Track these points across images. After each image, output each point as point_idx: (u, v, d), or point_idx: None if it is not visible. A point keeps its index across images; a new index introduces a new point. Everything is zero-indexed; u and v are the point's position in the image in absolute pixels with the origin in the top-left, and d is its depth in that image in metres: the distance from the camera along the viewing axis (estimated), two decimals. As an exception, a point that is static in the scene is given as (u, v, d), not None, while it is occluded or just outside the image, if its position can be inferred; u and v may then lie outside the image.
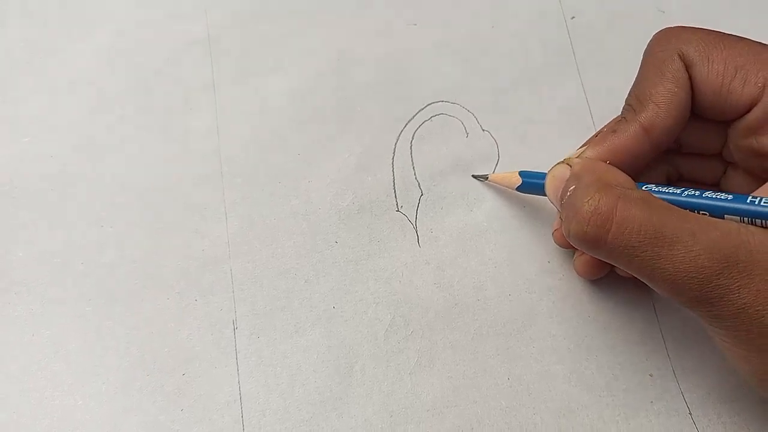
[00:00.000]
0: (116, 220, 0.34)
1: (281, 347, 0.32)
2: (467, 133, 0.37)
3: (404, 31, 0.39)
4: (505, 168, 0.36)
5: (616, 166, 0.29)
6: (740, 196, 0.26)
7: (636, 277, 0.27)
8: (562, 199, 0.28)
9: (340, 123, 0.36)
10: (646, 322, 0.34)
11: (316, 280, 0.33)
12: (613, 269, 0.33)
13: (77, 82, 0.36)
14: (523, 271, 0.34)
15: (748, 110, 0.28)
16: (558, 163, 0.30)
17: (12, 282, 0.33)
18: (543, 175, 0.31)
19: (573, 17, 0.40)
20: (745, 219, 0.25)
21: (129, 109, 0.36)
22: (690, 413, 0.32)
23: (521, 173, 0.33)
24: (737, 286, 0.24)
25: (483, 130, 0.37)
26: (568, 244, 0.33)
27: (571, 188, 0.28)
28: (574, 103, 0.37)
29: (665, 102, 0.28)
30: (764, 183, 0.26)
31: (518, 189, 0.34)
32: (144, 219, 0.34)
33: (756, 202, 0.25)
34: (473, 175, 0.36)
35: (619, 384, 0.33)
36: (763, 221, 0.25)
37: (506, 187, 0.35)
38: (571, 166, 0.29)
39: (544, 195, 0.32)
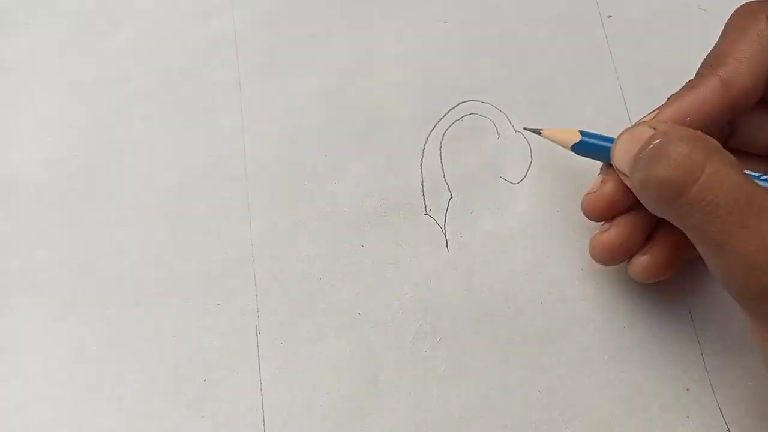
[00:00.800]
0: (139, 221, 0.33)
1: (305, 354, 0.31)
2: (499, 134, 0.36)
3: (434, 28, 0.38)
4: (539, 170, 0.35)
5: (697, 126, 0.26)
6: None
7: (660, 283, 0.25)
8: (639, 154, 0.26)
9: (367, 123, 0.35)
10: (684, 334, 0.32)
11: (342, 285, 0.33)
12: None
13: (101, 80, 0.36)
14: (555, 278, 0.33)
15: None
16: (636, 124, 0.27)
17: (32, 283, 0.32)
18: (606, 138, 0.29)
19: (610, 16, 0.38)
20: None
21: (153, 108, 0.35)
22: (728, 429, 0.31)
23: (582, 132, 0.30)
24: None
25: (515, 131, 0.36)
26: (598, 213, 0.30)
27: (656, 141, 0.25)
28: (611, 104, 0.36)
29: (746, 58, 0.26)
30: None
31: (573, 148, 0.31)
32: (167, 220, 0.33)
33: None
34: (525, 128, 0.33)
35: (654, 398, 0.31)
36: None
37: (560, 144, 0.31)
38: (654, 128, 0.26)
39: (601, 159, 0.29)
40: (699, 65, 0.29)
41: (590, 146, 0.30)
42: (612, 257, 0.30)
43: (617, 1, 0.38)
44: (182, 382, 0.31)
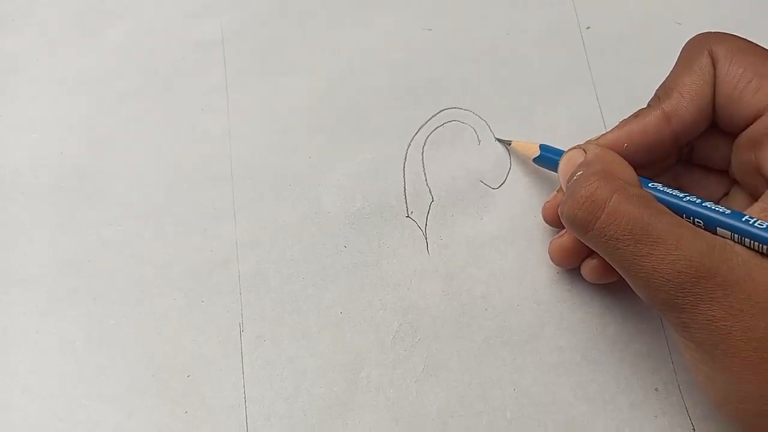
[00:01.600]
0: (125, 219, 0.34)
1: (288, 351, 0.32)
2: (480, 141, 0.37)
3: (419, 36, 0.39)
4: (518, 176, 0.36)
5: (634, 152, 0.29)
6: (737, 212, 0.26)
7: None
8: (568, 182, 0.29)
9: (352, 127, 0.36)
10: (654, 336, 0.34)
11: (324, 285, 0.33)
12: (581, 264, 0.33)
13: (89, 79, 0.36)
14: (532, 281, 0.34)
15: (753, 121, 0.28)
16: (575, 147, 0.31)
17: (19, 278, 0.32)
18: (561, 153, 0.32)
19: (588, 27, 0.39)
20: (736, 236, 0.26)
21: (141, 108, 0.36)
22: (693, 429, 0.32)
23: (541, 146, 0.34)
24: (710, 298, 0.24)
25: (495, 138, 0.37)
26: (552, 220, 0.33)
27: (578, 173, 0.28)
28: (588, 114, 0.37)
29: (689, 92, 0.29)
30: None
31: (535, 160, 0.34)
32: (153, 219, 0.34)
33: (751, 222, 0.25)
34: (497, 138, 0.36)
35: (624, 397, 0.32)
36: (752, 241, 0.25)
37: (525, 156, 0.35)
38: (585, 152, 0.30)
39: (556, 171, 0.32)
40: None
41: (547, 160, 0.33)
42: (566, 260, 0.33)
43: (596, 13, 0.40)
44: (166, 378, 0.31)
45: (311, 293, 0.33)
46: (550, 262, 0.34)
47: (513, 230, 0.35)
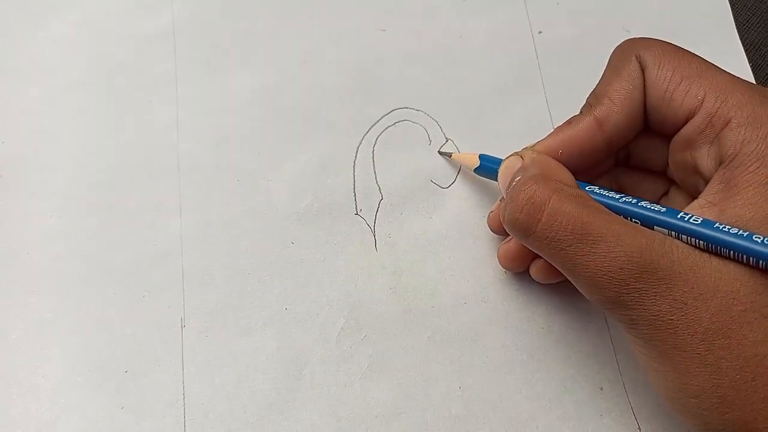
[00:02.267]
0: (67, 210, 0.33)
1: (230, 347, 0.31)
2: (430, 141, 0.37)
3: (373, 36, 0.39)
4: (467, 175, 0.36)
5: (568, 158, 0.30)
6: (672, 210, 0.27)
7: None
8: (508, 188, 0.29)
9: (303, 124, 0.36)
10: (599, 335, 0.34)
11: (270, 281, 0.33)
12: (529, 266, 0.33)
13: (35, 69, 0.36)
14: (479, 280, 0.34)
15: (686, 122, 0.29)
16: (512, 155, 0.31)
17: (-48, 269, 0.31)
18: (500, 161, 0.32)
19: (540, 32, 0.40)
20: (673, 233, 0.26)
21: (86, 99, 0.35)
22: (639, 428, 0.32)
23: (481, 156, 0.34)
24: (654, 293, 0.25)
25: (446, 138, 0.37)
26: (498, 229, 0.34)
27: (517, 178, 0.29)
28: (537, 117, 0.38)
29: (619, 98, 0.29)
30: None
31: (476, 171, 0.34)
32: (96, 211, 0.33)
33: (685, 219, 0.26)
34: (439, 151, 0.36)
35: (570, 396, 0.32)
36: (689, 237, 0.25)
37: (466, 167, 0.35)
38: (523, 159, 0.30)
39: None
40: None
41: (488, 170, 0.34)
42: (514, 264, 0.33)
43: (548, 18, 0.40)
44: (103, 372, 0.30)
45: (256, 288, 0.33)
46: (497, 261, 0.34)
47: (461, 229, 0.35)
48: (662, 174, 0.32)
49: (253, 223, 0.34)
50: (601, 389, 0.33)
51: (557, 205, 0.26)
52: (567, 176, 0.29)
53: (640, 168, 0.33)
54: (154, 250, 0.33)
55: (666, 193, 0.32)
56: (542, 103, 0.38)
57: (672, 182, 0.32)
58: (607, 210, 0.27)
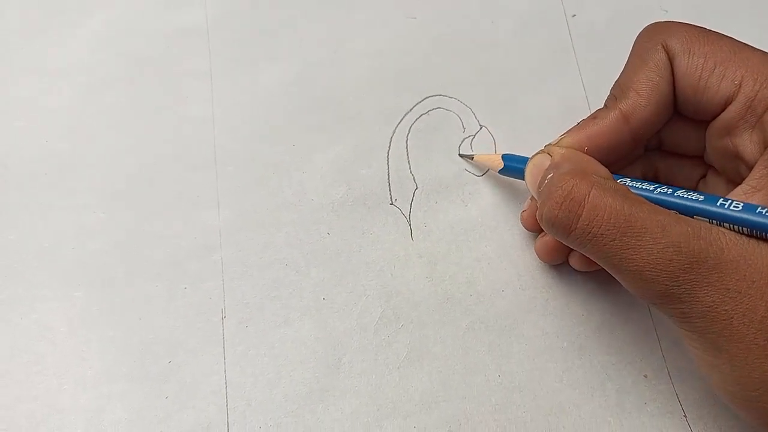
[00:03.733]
0: (107, 205, 0.34)
1: (269, 337, 0.32)
2: (464, 128, 0.36)
3: (403, 23, 0.39)
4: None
5: (595, 154, 0.29)
6: (711, 197, 0.26)
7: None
8: (539, 187, 0.28)
9: (336, 114, 0.36)
10: (642, 322, 0.33)
11: (307, 271, 0.33)
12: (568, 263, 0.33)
13: (72, 66, 0.36)
14: (516, 267, 0.34)
15: (723, 109, 0.28)
16: (539, 152, 0.30)
17: (1, 266, 0.32)
18: (525, 160, 0.31)
19: (574, 15, 0.39)
20: (714, 221, 0.25)
21: (123, 95, 0.36)
22: (685, 415, 0.32)
23: (504, 157, 0.33)
24: (706, 283, 0.24)
25: (480, 125, 0.36)
26: (533, 227, 0.33)
27: (549, 176, 0.28)
28: (574, 101, 0.37)
29: (645, 90, 0.28)
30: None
31: (501, 172, 0.33)
32: (135, 206, 0.34)
33: (726, 206, 0.25)
34: (460, 154, 0.36)
35: (612, 384, 0.32)
36: (732, 225, 0.25)
37: (491, 169, 0.35)
38: (551, 156, 0.29)
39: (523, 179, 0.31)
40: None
41: (513, 170, 0.33)
42: (553, 257, 0.33)
43: (582, 1, 0.39)
44: (146, 363, 0.31)
45: (294, 279, 0.33)
46: (534, 248, 0.34)
47: (497, 217, 0.35)
48: (698, 158, 0.31)
49: (289, 215, 0.34)
50: (645, 377, 0.32)
51: (597, 200, 0.25)
52: (602, 169, 0.28)
53: (674, 153, 0.32)
54: (193, 243, 0.33)
55: (704, 177, 0.31)
56: (578, 87, 0.38)
57: (709, 166, 0.31)
58: (647, 201, 0.26)
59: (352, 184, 0.35)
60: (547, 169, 0.28)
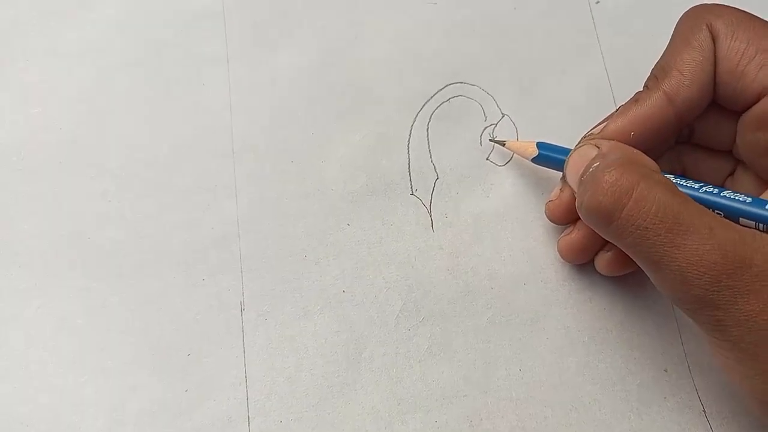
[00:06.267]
0: (124, 194, 0.33)
1: (289, 330, 0.31)
2: (486, 117, 0.36)
3: (423, 8, 0.38)
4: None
5: (641, 138, 0.28)
6: (759, 200, 0.25)
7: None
8: (582, 176, 0.27)
9: (355, 102, 0.35)
10: (663, 317, 0.33)
11: (327, 263, 0.33)
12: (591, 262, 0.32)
13: (87, 51, 0.35)
14: (538, 260, 0.33)
15: (758, 99, 0.27)
16: (585, 143, 0.29)
17: (17, 254, 0.32)
18: (562, 150, 0.31)
19: (598, 1, 0.38)
20: (761, 225, 0.24)
21: (140, 81, 0.35)
22: (704, 411, 0.32)
23: (539, 144, 0.32)
24: (748, 290, 0.23)
25: (502, 113, 0.36)
26: (559, 219, 0.32)
27: (595, 165, 0.27)
28: (598, 89, 0.36)
29: (689, 70, 0.28)
30: None
31: (534, 160, 0.33)
32: (152, 194, 0.33)
33: None
34: (490, 139, 0.35)
35: (632, 378, 0.32)
36: None
37: (522, 156, 0.34)
38: (599, 147, 0.28)
39: (559, 170, 0.31)
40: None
41: (548, 159, 0.32)
42: (577, 257, 0.32)
43: (606, -14, 0.39)
44: (166, 355, 0.31)
45: (313, 271, 0.32)
46: (556, 240, 0.33)
47: (519, 208, 0.34)
48: (728, 153, 0.30)
49: (309, 205, 0.34)
50: (665, 371, 0.32)
51: (646, 191, 0.24)
52: (651, 162, 0.27)
53: (704, 146, 0.31)
54: (211, 233, 0.33)
55: (732, 174, 0.31)
56: (602, 74, 0.37)
57: (738, 162, 0.30)
58: (693, 200, 0.25)
59: (372, 174, 0.34)
60: (593, 159, 0.27)
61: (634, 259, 0.26)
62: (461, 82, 0.36)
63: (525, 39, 0.37)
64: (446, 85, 0.36)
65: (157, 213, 0.33)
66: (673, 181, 0.27)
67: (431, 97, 0.36)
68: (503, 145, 0.34)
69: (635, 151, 0.27)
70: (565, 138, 0.32)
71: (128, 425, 0.29)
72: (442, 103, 0.36)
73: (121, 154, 0.34)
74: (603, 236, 0.27)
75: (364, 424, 0.30)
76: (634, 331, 0.33)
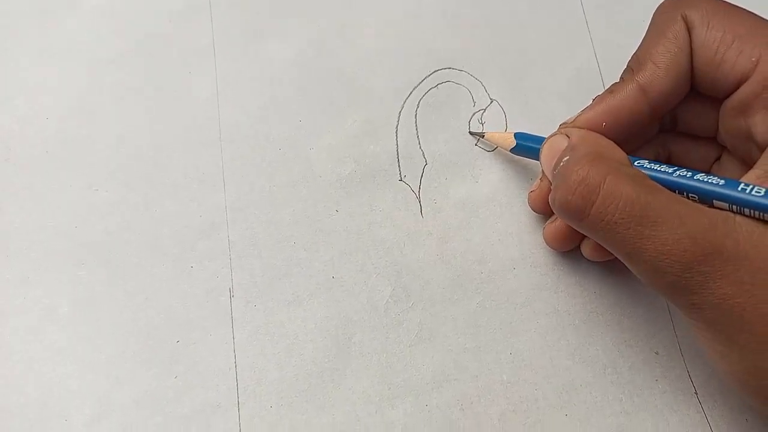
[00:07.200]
0: (111, 184, 0.33)
1: (278, 316, 0.31)
2: (474, 102, 0.36)
3: (411, -5, 0.38)
4: (512, 137, 0.35)
5: (613, 129, 0.28)
6: (732, 181, 0.25)
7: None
8: (554, 170, 0.27)
9: (343, 89, 0.35)
10: (654, 299, 0.33)
11: (316, 249, 0.33)
12: (578, 246, 0.32)
13: (74, 42, 0.35)
14: (528, 244, 0.33)
15: (739, 86, 0.27)
16: (556, 133, 0.29)
17: (4, 245, 0.32)
18: (539, 139, 0.31)
19: (586, -14, 0.38)
20: (735, 207, 0.24)
21: (126, 71, 0.35)
22: (696, 392, 0.31)
23: (516, 135, 0.32)
24: (720, 275, 0.23)
25: (491, 99, 0.36)
26: (541, 209, 0.32)
27: (565, 158, 0.27)
28: (587, 76, 0.36)
29: (664, 62, 0.28)
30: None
31: (512, 151, 0.33)
32: (140, 184, 0.33)
33: (748, 190, 0.24)
34: (470, 132, 0.35)
35: (624, 361, 0.32)
36: (752, 210, 0.24)
37: (501, 148, 0.34)
38: (569, 137, 0.28)
39: (538, 160, 0.31)
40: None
41: (526, 149, 0.32)
42: (563, 244, 0.32)
43: (594, -29, 0.38)
44: (154, 343, 0.30)
45: (302, 258, 0.32)
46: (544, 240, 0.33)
47: (508, 193, 0.34)
48: (713, 139, 0.30)
49: (297, 192, 0.33)
50: (657, 353, 0.32)
51: (613, 186, 0.25)
52: (620, 153, 0.27)
53: (689, 134, 0.31)
54: (199, 221, 0.33)
55: (718, 159, 0.31)
56: (592, 61, 0.37)
57: (723, 148, 0.30)
58: (664, 189, 0.25)
59: (360, 161, 0.34)
60: (563, 151, 0.28)
61: (609, 250, 0.26)
62: (449, 68, 0.36)
63: (513, 23, 0.37)
64: (434, 71, 0.36)
65: (144, 202, 0.33)
66: (647, 167, 0.27)
67: (419, 83, 0.36)
68: (482, 137, 0.34)
69: (605, 142, 0.27)
70: (554, 125, 0.32)
71: (116, 413, 0.29)
72: (431, 89, 0.36)
73: (109, 144, 0.34)
74: (577, 230, 0.27)
75: (354, 408, 0.30)
76: (624, 313, 0.33)
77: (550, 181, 0.29)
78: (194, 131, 0.34)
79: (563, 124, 0.30)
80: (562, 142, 0.28)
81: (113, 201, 0.33)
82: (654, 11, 0.30)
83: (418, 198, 0.34)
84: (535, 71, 0.36)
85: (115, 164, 0.33)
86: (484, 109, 0.36)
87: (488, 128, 0.35)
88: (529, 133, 0.32)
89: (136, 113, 0.34)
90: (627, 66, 0.29)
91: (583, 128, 0.28)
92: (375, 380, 0.31)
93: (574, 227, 0.27)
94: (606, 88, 0.35)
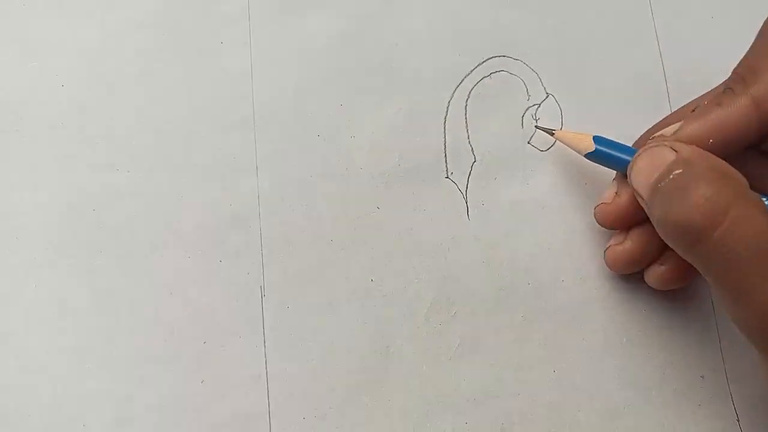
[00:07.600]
0: (133, 164, 0.30)
1: (313, 320, 0.29)
2: (529, 96, 0.33)
3: (467, -28, 0.34)
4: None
5: (719, 148, 0.25)
6: None
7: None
8: (659, 183, 0.24)
9: (388, 74, 0.32)
10: (703, 321, 0.31)
11: (354, 249, 0.30)
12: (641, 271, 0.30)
13: (94, 6, 0.32)
14: (578, 255, 0.31)
15: None
16: (657, 145, 0.26)
17: (13, 226, 0.29)
18: (623, 148, 0.28)
19: (654, -26, 0.35)
20: None
21: (151, 38, 0.31)
22: (738, 420, 0.30)
23: (596, 139, 0.29)
24: None
25: (547, 93, 0.33)
26: (612, 224, 0.29)
27: (677, 171, 0.24)
28: (650, 74, 0.34)
29: None
30: None
31: (587, 156, 0.29)
32: (164, 166, 0.30)
33: None
34: (536, 126, 0.32)
35: (669, 384, 0.31)
36: None
37: (574, 149, 0.30)
38: (677, 151, 0.25)
39: (615, 169, 0.28)
40: (749, 40, 0.27)
41: (605, 157, 0.29)
42: (626, 268, 0.30)
43: (664, -41, 0.35)
44: (179, 343, 0.28)
45: (339, 257, 0.30)
46: (598, 234, 0.31)
47: (561, 198, 0.32)
48: None
49: (335, 185, 0.31)
50: (702, 377, 0.31)
51: (743, 211, 0.22)
52: (742, 178, 0.24)
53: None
54: (229, 210, 0.30)
55: None
56: (656, 58, 0.34)
57: None
58: None
59: (404, 154, 0.32)
60: (672, 164, 0.24)
61: (714, 286, 0.24)
62: (504, 56, 0.33)
63: (575, 13, 0.34)
64: (487, 59, 0.33)
65: (169, 186, 0.30)
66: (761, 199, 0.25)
67: (471, 71, 0.33)
68: (552, 134, 0.31)
69: (725, 163, 0.24)
70: (609, 128, 0.30)
71: (137, 420, 0.27)
72: (483, 78, 0.33)
73: (131, 119, 0.31)
74: (681, 255, 0.24)
75: (392, 424, 0.28)
76: (673, 334, 0.31)
77: (634, 196, 0.26)
78: (226, 109, 0.31)
79: (656, 136, 0.27)
80: (668, 156, 0.25)
81: (134, 183, 0.30)
82: (767, 17, 0.27)
83: (465, 198, 0.32)
84: (594, 66, 0.34)
85: (137, 142, 0.30)
86: (539, 104, 0.33)
87: (541, 124, 0.33)
88: (610, 139, 0.29)
89: (160, 86, 0.31)
90: (735, 75, 0.26)
91: (689, 144, 0.25)
92: (413, 395, 0.29)
93: (678, 250, 0.24)
94: (669, 92, 0.34)
